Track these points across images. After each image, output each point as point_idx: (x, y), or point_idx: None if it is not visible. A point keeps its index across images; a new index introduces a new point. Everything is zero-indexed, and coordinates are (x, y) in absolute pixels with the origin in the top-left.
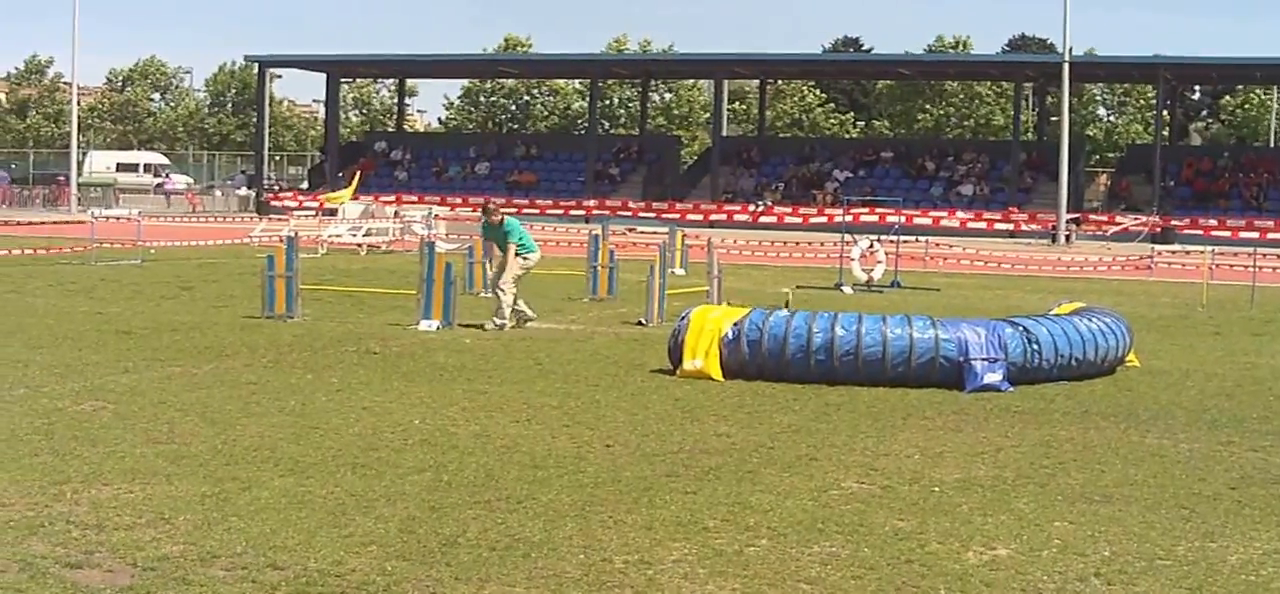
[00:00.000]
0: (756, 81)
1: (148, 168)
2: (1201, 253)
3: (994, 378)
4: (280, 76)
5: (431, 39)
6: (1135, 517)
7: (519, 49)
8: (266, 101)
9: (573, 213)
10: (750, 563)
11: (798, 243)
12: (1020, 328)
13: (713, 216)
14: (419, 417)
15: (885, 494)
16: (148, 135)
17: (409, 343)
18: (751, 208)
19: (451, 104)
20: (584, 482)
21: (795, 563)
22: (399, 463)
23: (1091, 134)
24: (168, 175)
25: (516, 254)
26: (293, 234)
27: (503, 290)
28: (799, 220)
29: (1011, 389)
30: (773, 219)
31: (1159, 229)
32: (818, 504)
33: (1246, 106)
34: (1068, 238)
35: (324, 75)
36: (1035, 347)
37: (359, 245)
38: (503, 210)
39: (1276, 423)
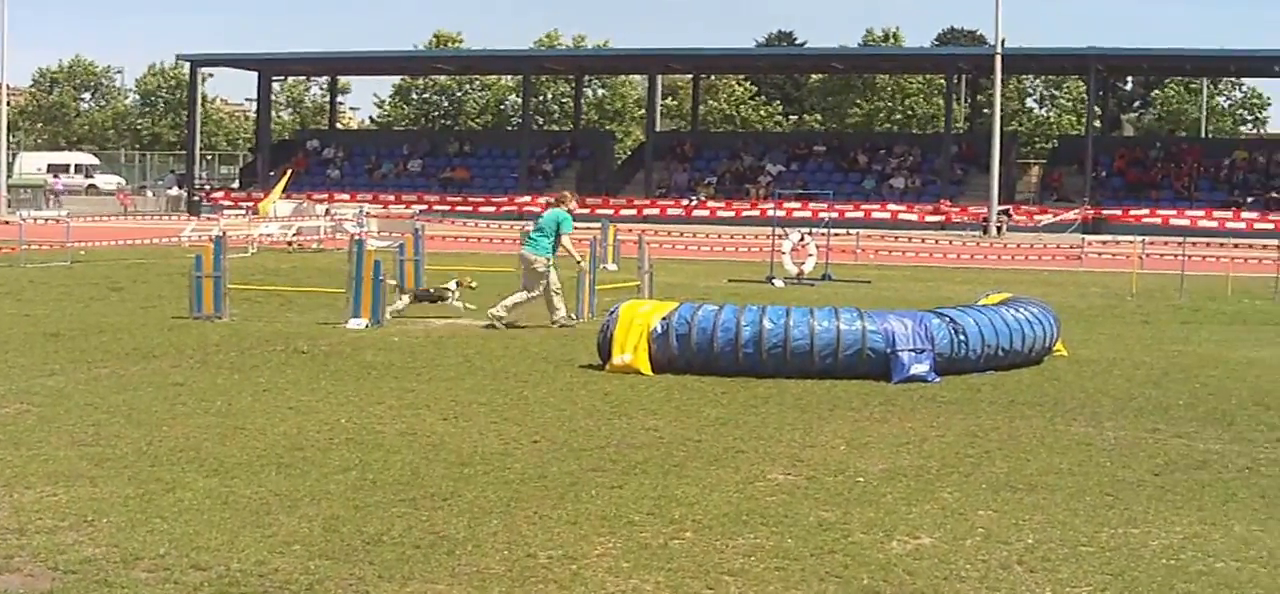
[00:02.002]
0: (690, 76)
1: (79, 169)
2: (1132, 243)
3: (921, 369)
4: (212, 75)
5: (363, 36)
6: (1059, 504)
7: (449, 45)
8: (198, 101)
9: (505, 210)
10: (675, 556)
11: (731, 237)
12: (947, 319)
13: (647, 212)
14: (346, 415)
15: (811, 485)
16: (77, 136)
17: (337, 342)
18: (685, 202)
19: (382, 102)
20: (510, 478)
21: (719, 555)
22: (324, 462)
23: (1022, 127)
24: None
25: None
26: (221, 234)
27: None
28: (732, 215)
29: (938, 380)
30: (706, 214)
31: (1089, 219)
32: (743, 496)
33: (1176, 97)
34: (999, 229)
35: (255, 74)
36: (962, 337)
37: (290, 242)
38: (562, 203)
39: (1202, 410)
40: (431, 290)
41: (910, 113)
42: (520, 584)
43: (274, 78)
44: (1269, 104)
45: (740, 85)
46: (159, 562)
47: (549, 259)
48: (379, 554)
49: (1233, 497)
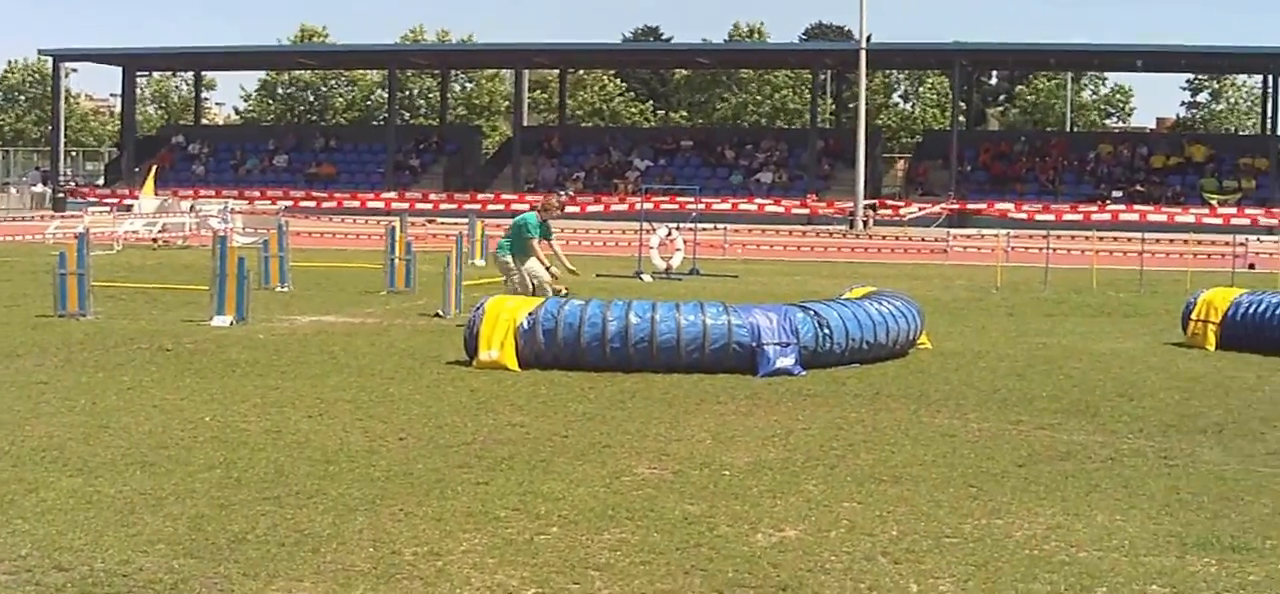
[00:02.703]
0: (557, 71)
1: None
2: (997, 236)
3: (786, 362)
4: (76, 70)
5: (229, 30)
6: (923, 496)
7: (315, 39)
8: (62, 96)
9: (371, 205)
10: (540, 551)
11: (599, 232)
12: (811, 312)
13: (515, 207)
14: (210, 413)
15: (676, 479)
16: None
17: (202, 339)
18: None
19: (248, 96)
20: (375, 475)
21: (585, 550)
22: (189, 460)
23: (888, 121)
24: None
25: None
26: (84, 231)
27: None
28: (600, 209)
29: (803, 373)
30: (575, 209)
31: (955, 213)
32: (609, 491)
33: (1044, 91)
34: (865, 223)
35: (120, 69)
36: (826, 331)
37: (155, 239)
38: (546, 211)
39: (1066, 401)
40: None
41: (779, 108)
42: (385, 581)
43: (139, 73)
44: (1133, 97)
45: (610, 81)
46: (21, 563)
47: (509, 259)
48: (243, 552)
49: (1096, 487)
